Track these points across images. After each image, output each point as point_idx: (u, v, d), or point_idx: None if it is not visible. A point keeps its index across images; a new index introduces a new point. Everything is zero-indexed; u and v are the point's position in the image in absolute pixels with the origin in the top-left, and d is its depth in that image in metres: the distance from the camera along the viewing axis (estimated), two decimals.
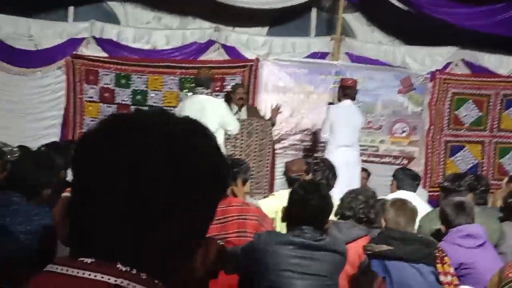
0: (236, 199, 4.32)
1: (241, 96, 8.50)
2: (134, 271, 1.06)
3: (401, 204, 4.05)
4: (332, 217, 4.29)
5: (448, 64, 9.63)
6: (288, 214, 3.52)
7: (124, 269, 1.06)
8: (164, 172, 1.07)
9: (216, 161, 1.16)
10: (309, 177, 5.33)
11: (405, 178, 5.94)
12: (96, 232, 1.08)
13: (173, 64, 9.06)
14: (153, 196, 1.06)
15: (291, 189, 3.66)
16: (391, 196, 5.75)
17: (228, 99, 8.69)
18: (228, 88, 9.14)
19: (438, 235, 4.67)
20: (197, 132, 1.16)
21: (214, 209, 1.18)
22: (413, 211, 4.06)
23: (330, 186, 5.29)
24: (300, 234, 3.41)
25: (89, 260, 1.07)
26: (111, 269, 1.05)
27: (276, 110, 8.51)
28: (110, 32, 9.03)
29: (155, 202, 1.07)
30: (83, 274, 1.05)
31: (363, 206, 4.37)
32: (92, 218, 1.08)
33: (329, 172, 5.43)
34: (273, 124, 8.47)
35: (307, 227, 3.42)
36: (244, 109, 8.53)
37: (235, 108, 8.41)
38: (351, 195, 4.45)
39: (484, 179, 5.91)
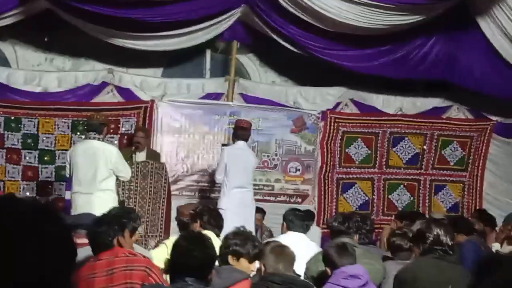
0: (122, 250, 4.27)
1: (138, 140, 8.48)
2: None
3: (280, 250, 4.13)
4: None
5: (338, 103, 9.96)
6: (171, 266, 3.53)
7: None
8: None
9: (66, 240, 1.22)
10: (198, 224, 5.37)
11: (294, 219, 6.05)
12: None
13: (65, 107, 8.94)
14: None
15: (174, 241, 3.68)
16: (281, 237, 5.89)
17: (130, 142, 8.67)
18: (123, 130, 9.14)
19: (325, 277, 4.79)
20: (45, 215, 1.20)
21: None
22: (291, 257, 4.16)
23: (220, 229, 5.36)
24: (183, 286, 3.43)
25: None
26: None
27: None
28: (0, 75, 8.83)
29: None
30: None
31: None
32: None
33: (216, 216, 5.48)
34: None
35: (190, 279, 3.44)
36: (143, 152, 8.48)
37: (141, 152, 8.39)
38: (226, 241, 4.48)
39: (369, 218, 6.12)
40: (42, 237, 1.18)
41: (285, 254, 4.10)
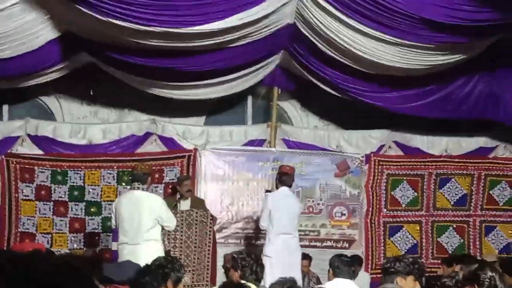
0: None
1: (189, 189, 8.56)
2: None
3: None
4: None
5: (381, 146, 9.86)
6: None
7: None
8: None
9: None
10: (237, 274, 5.31)
11: (340, 265, 5.92)
12: None
13: (110, 158, 9.06)
14: None
15: None
16: (328, 285, 5.78)
17: (175, 191, 8.71)
18: (167, 179, 9.19)
19: None
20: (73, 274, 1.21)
21: None
22: None
23: (259, 280, 5.28)
24: None
25: None
26: None
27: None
28: (45, 128, 9.01)
29: None
30: None
31: None
32: None
33: (257, 265, 5.40)
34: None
35: None
36: (188, 200, 8.50)
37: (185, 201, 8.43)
38: None
39: (419, 262, 5.95)
40: None
41: None
